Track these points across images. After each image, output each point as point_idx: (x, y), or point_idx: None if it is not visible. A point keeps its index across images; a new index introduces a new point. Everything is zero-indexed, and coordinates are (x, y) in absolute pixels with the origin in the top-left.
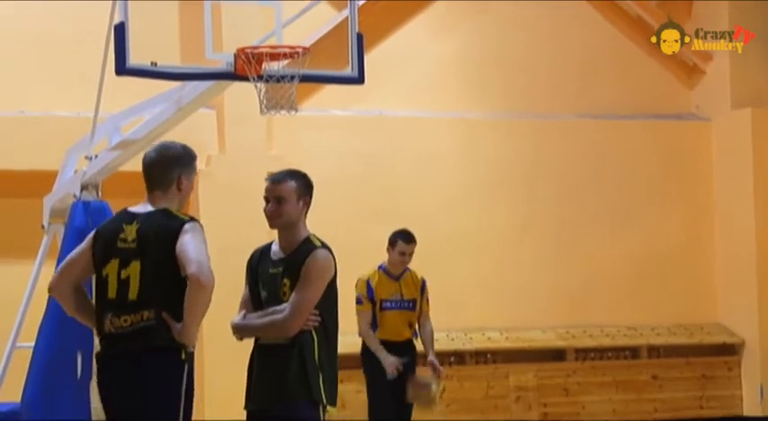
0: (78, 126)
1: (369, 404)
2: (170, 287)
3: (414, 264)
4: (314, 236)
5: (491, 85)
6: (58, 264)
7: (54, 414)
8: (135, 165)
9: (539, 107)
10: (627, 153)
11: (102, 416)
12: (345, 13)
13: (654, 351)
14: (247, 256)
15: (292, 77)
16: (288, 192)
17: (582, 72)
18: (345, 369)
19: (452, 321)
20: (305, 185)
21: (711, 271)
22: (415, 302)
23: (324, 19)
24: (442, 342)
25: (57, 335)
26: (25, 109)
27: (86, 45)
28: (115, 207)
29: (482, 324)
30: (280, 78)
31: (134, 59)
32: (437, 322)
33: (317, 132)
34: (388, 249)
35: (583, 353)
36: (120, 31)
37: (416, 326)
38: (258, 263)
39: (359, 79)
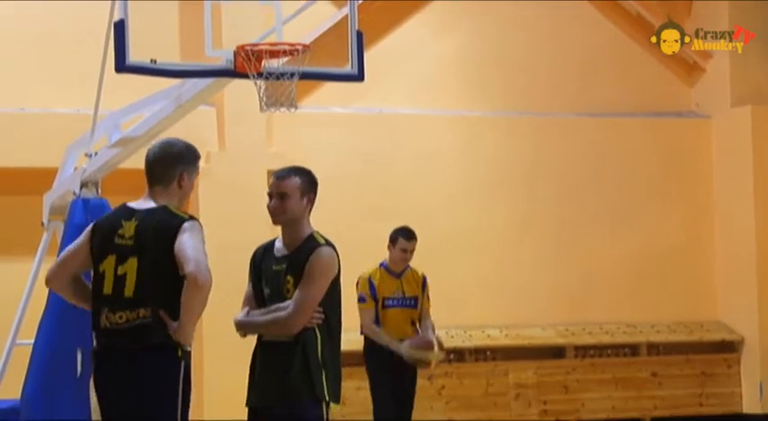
0: (78, 123)
1: (373, 406)
2: (167, 285)
3: (413, 262)
4: (318, 233)
5: (491, 83)
6: None
7: (54, 411)
8: (135, 162)
9: (539, 105)
10: (627, 151)
11: None
12: (345, 10)
13: (653, 348)
14: (247, 254)
15: (292, 75)
16: (291, 189)
17: (582, 70)
18: (346, 366)
19: (452, 319)
20: (309, 182)
21: (711, 268)
22: (416, 300)
23: (324, 16)
24: (441, 339)
25: (56, 333)
26: (25, 106)
27: (86, 42)
28: (115, 204)
29: (482, 321)
30: (279, 75)
31: (134, 57)
32: (437, 319)
33: (316, 130)
34: (388, 247)
35: (582, 351)
36: (119, 29)
37: (418, 324)
38: (261, 259)
39: (359, 77)
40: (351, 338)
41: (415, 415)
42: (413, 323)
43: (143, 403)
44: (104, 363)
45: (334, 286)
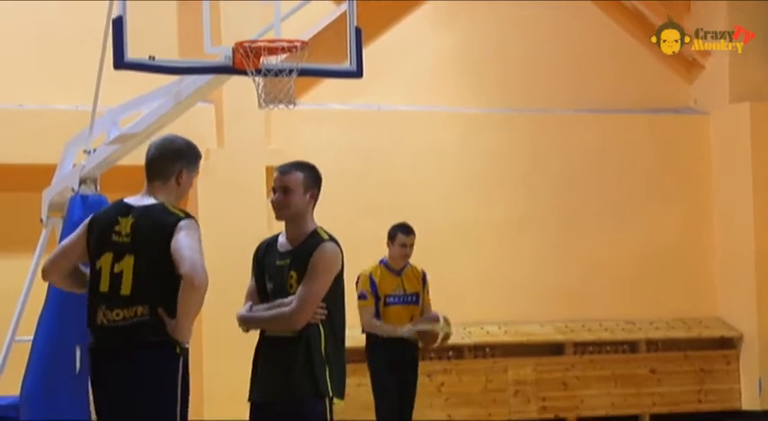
0: (77, 120)
1: (376, 407)
2: (164, 283)
3: (412, 259)
4: (321, 228)
5: (489, 80)
6: None
7: (53, 407)
8: (133, 159)
9: (537, 101)
10: (625, 147)
11: None
12: (344, 7)
13: (652, 345)
14: (246, 250)
15: (291, 71)
16: (295, 183)
17: (580, 66)
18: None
19: (451, 315)
20: (312, 177)
21: (710, 265)
22: (417, 296)
23: (322, 13)
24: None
25: (55, 329)
26: (24, 102)
27: (85, 39)
28: (113, 201)
29: (480, 318)
30: (278, 72)
31: (132, 53)
32: None
33: (315, 126)
34: (388, 244)
35: (581, 347)
36: (118, 26)
37: None
38: (265, 254)
39: (357, 73)
40: (351, 335)
41: (414, 412)
42: (413, 320)
43: (142, 400)
44: (101, 361)
45: (338, 282)
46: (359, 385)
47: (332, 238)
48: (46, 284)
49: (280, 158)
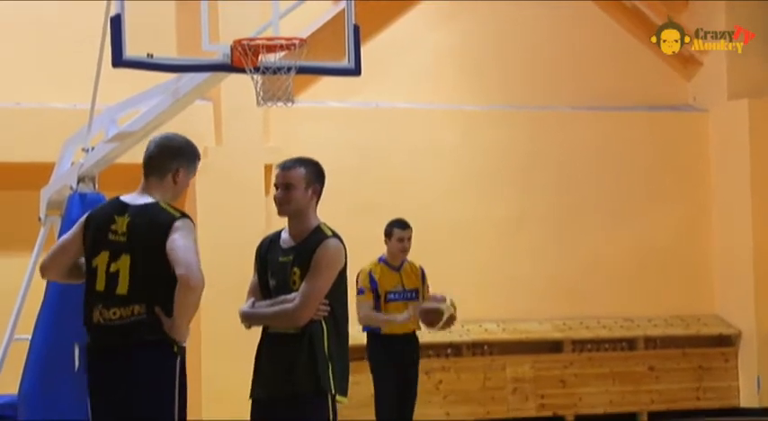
0: (75, 118)
1: (376, 405)
2: (161, 282)
3: (410, 256)
4: (324, 224)
5: (489, 77)
6: None
7: (51, 406)
8: (132, 157)
9: (536, 99)
10: (624, 144)
11: None
12: (342, 4)
13: (651, 342)
14: (244, 248)
15: (289, 69)
16: (296, 179)
17: (579, 64)
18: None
19: None
20: (315, 173)
21: (708, 262)
22: (417, 292)
23: (320, 10)
24: (438, 333)
25: (54, 328)
26: (22, 101)
27: (83, 37)
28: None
29: (479, 316)
30: (276, 70)
31: (130, 51)
32: None
33: (313, 124)
34: (385, 241)
35: (580, 345)
36: (116, 24)
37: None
38: (267, 251)
39: (355, 71)
40: (351, 333)
41: (420, 396)
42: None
43: (139, 399)
44: (98, 360)
45: (341, 278)
46: (357, 383)
47: (335, 235)
48: (44, 282)
49: (278, 156)
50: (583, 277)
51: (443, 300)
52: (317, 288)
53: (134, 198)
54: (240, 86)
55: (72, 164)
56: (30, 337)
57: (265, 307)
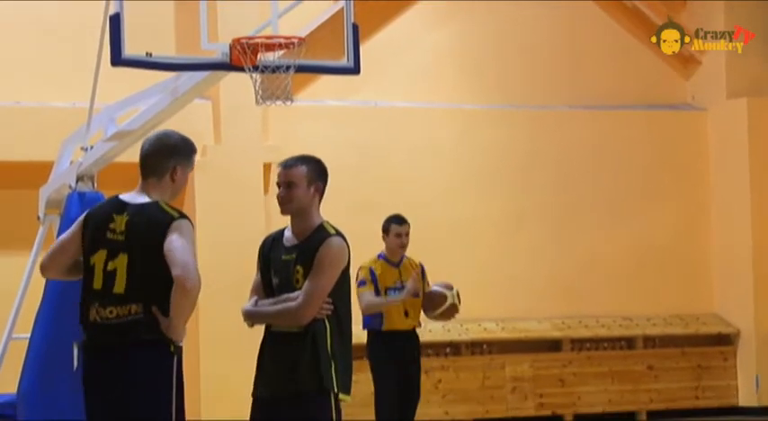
0: (74, 117)
1: (376, 404)
2: (158, 282)
3: (409, 254)
4: (327, 223)
5: (487, 76)
6: None
7: (50, 405)
8: (130, 156)
9: (535, 98)
10: (623, 143)
11: None
12: (341, 3)
13: (649, 341)
14: (243, 246)
15: (288, 68)
16: (298, 178)
17: (578, 62)
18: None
19: None
20: (316, 171)
21: (707, 260)
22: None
23: (319, 9)
24: (437, 333)
25: (52, 327)
26: (21, 100)
27: (82, 36)
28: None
29: (478, 314)
30: (275, 69)
31: (129, 50)
32: None
33: (312, 123)
34: (383, 237)
35: (579, 344)
36: (115, 22)
37: (420, 316)
38: (270, 249)
39: (354, 70)
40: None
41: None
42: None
43: (136, 398)
44: (95, 358)
45: (344, 277)
46: (357, 382)
47: (338, 233)
48: (43, 281)
49: (277, 155)
50: (582, 276)
51: (451, 288)
52: (320, 286)
53: (133, 197)
54: (239, 85)
55: (71, 163)
56: (29, 336)
57: (268, 305)
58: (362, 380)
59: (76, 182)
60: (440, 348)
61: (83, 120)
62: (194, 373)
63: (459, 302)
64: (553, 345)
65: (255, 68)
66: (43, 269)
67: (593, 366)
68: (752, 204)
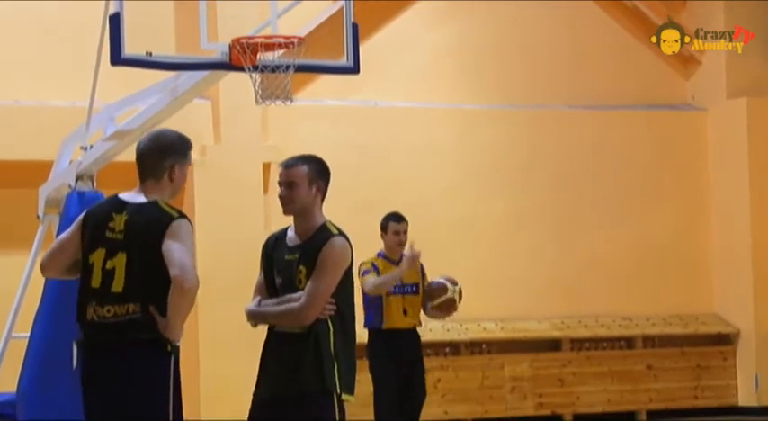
0: (73, 116)
1: (374, 404)
2: (156, 281)
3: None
4: (330, 222)
5: (487, 76)
6: None
7: (49, 404)
8: (130, 155)
9: (535, 97)
10: (623, 143)
11: None
12: (341, 3)
13: (649, 341)
14: (243, 246)
15: (287, 67)
16: (299, 177)
17: (577, 62)
18: None
19: None
20: (317, 170)
21: (707, 260)
22: (416, 286)
23: (319, 9)
24: (437, 332)
25: (52, 326)
26: (20, 99)
27: (81, 35)
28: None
29: (477, 314)
30: (275, 68)
31: (129, 49)
32: None
33: (312, 123)
34: (381, 236)
35: (578, 344)
36: (115, 21)
37: (420, 315)
38: (273, 248)
39: (354, 69)
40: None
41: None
42: (414, 311)
43: (134, 397)
44: (91, 357)
45: (347, 277)
46: (357, 381)
47: (341, 233)
48: (43, 281)
49: (277, 154)
50: (581, 276)
51: (455, 283)
52: (323, 287)
53: (133, 196)
54: (239, 85)
55: (70, 162)
56: (28, 335)
57: (271, 305)
58: (362, 380)
59: (76, 181)
60: (439, 348)
61: (82, 119)
62: (194, 373)
63: (460, 301)
64: (553, 345)
65: (255, 68)
66: (43, 268)
67: (593, 366)
68: (751, 204)
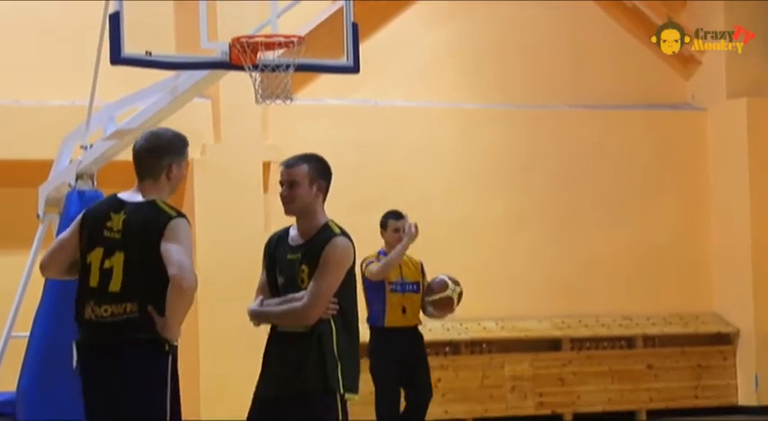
0: (73, 115)
1: (375, 403)
2: (154, 281)
3: (408, 253)
4: (332, 222)
5: (486, 75)
6: None
7: (49, 403)
8: (130, 154)
9: (535, 97)
10: (623, 143)
11: None
12: (340, 2)
13: (649, 340)
14: (243, 246)
15: (287, 67)
16: (300, 176)
17: (577, 62)
18: None
19: None
20: (318, 169)
21: (707, 260)
22: (417, 285)
23: (319, 8)
24: (437, 332)
25: (52, 325)
26: (20, 98)
27: (81, 34)
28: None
29: (477, 314)
30: (275, 68)
31: (129, 49)
32: None
33: (311, 122)
34: (381, 233)
35: (578, 343)
36: (114, 21)
37: (421, 313)
38: (276, 248)
39: (354, 69)
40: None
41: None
42: (415, 310)
43: (131, 397)
44: (89, 357)
45: (350, 276)
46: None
47: (343, 232)
48: (43, 280)
49: (276, 153)
50: (581, 275)
51: (457, 283)
52: (326, 286)
53: (131, 195)
54: (239, 84)
55: (70, 161)
56: (28, 335)
57: (274, 305)
58: (363, 379)
59: (76, 180)
60: (439, 347)
61: (82, 118)
62: (194, 373)
63: (458, 302)
64: (553, 345)
65: (255, 67)
66: (43, 268)
67: (593, 365)
68: (751, 204)
